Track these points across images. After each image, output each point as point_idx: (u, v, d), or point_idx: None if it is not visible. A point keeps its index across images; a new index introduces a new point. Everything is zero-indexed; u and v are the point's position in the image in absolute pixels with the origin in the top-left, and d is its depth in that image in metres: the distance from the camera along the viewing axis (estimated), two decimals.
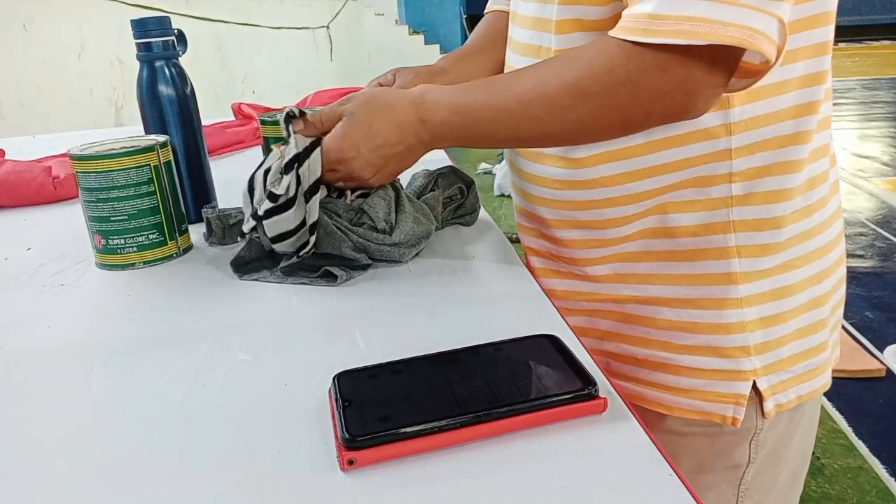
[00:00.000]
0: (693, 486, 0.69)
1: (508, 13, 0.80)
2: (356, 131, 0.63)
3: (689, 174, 0.61)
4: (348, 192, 0.68)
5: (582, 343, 0.51)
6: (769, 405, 0.65)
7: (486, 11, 0.88)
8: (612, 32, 0.53)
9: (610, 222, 0.66)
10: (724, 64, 0.51)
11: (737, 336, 0.64)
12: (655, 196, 0.63)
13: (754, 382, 0.64)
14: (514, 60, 0.71)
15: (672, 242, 0.64)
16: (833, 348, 0.70)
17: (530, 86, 0.57)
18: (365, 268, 0.67)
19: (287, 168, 0.63)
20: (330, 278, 0.65)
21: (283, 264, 0.66)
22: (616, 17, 0.57)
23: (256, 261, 0.69)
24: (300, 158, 0.63)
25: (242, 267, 0.68)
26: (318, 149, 0.64)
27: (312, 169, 0.64)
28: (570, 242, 0.69)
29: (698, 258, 0.64)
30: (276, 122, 0.83)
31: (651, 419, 0.69)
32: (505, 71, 0.75)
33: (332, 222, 0.66)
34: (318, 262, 0.65)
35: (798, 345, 0.66)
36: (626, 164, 0.62)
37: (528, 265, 0.77)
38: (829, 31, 0.59)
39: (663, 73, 0.51)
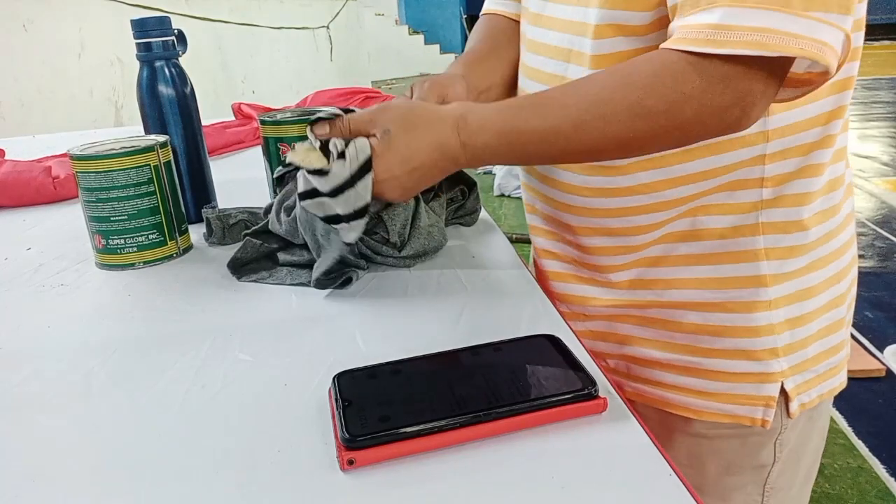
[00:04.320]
0: (720, 487, 0.70)
1: (508, 16, 0.79)
2: (392, 154, 0.58)
3: (723, 180, 0.61)
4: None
5: (582, 343, 0.51)
6: (794, 405, 0.65)
7: (483, 13, 0.84)
8: (669, 44, 0.51)
9: (640, 229, 0.65)
10: (777, 76, 0.51)
11: (766, 338, 0.64)
12: (689, 202, 0.63)
13: (782, 383, 0.64)
14: (541, 63, 0.68)
15: (698, 246, 0.64)
16: (847, 346, 0.71)
17: (587, 106, 0.54)
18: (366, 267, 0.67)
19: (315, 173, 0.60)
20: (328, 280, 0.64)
21: (315, 275, 0.62)
22: (657, 24, 0.56)
23: (254, 262, 0.69)
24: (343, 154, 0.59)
25: (240, 269, 0.68)
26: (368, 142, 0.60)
27: (360, 148, 0.59)
28: (596, 249, 0.68)
29: (725, 261, 0.63)
30: (276, 122, 0.83)
31: (676, 423, 0.69)
32: (521, 74, 0.73)
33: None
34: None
35: (821, 344, 0.66)
36: (664, 172, 0.62)
37: (537, 267, 0.76)
38: (861, 37, 0.59)
39: (726, 87, 0.50)
